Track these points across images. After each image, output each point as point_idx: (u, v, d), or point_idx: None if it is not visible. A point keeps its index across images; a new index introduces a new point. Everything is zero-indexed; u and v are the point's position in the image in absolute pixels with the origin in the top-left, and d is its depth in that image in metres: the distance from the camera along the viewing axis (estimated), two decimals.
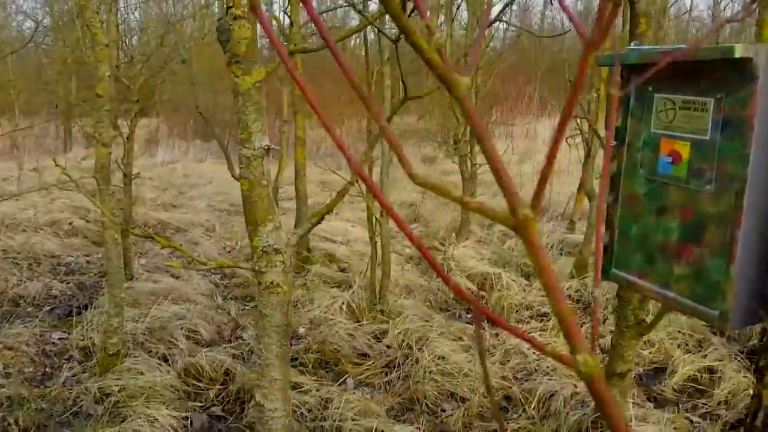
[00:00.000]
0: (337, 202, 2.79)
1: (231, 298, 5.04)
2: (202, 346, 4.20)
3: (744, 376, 3.88)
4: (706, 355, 4.23)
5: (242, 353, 4.18)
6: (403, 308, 4.61)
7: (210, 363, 3.93)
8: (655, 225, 1.48)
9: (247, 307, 4.88)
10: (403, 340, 4.29)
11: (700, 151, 1.35)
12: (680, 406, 3.83)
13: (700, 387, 3.92)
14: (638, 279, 1.54)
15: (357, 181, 4.07)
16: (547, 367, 4.02)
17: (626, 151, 1.53)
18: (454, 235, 5.73)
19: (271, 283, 2.53)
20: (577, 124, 4.92)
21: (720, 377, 3.96)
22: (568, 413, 3.60)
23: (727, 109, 1.29)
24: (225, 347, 4.21)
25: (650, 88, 1.45)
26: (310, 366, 4.05)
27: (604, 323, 4.54)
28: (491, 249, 5.63)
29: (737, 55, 1.23)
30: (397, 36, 2.47)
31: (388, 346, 4.29)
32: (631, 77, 1.49)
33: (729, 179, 1.30)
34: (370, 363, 4.10)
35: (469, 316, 4.80)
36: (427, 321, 4.48)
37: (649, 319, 2.72)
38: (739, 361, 4.15)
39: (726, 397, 3.79)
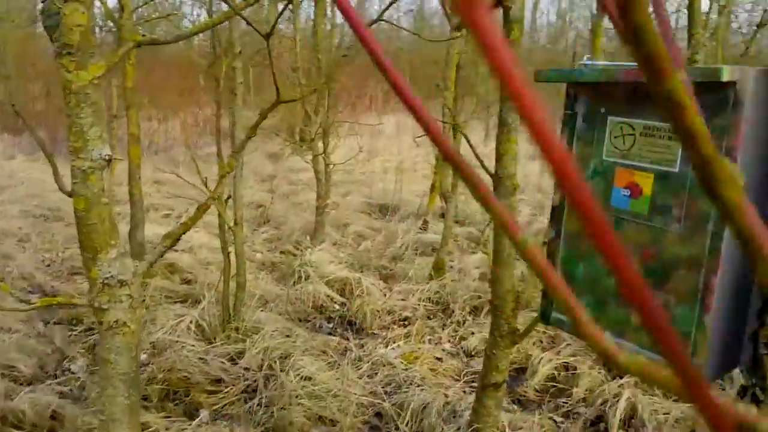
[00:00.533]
0: (197, 220, 2.37)
1: (54, 323, 4.34)
2: (22, 385, 3.53)
3: (598, 372, 3.98)
4: (559, 352, 4.31)
5: (72, 390, 3.58)
6: (260, 323, 4.23)
7: (33, 406, 3.30)
8: (606, 267, 1.29)
9: (74, 333, 4.22)
10: (263, 361, 3.92)
11: (667, 185, 1.18)
12: (543, 406, 3.85)
13: (560, 386, 3.97)
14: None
15: (206, 184, 3.63)
16: (417, 377, 3.86)
17: None
18: (308, 238, 5.42)
19: (116, 321, 2.07)
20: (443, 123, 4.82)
21: (577, 374, 4.04)
22: (443, 428, 3.47)
23: (725, 141, 1.12)
24: (50, 384, 3.57)
25: (603, 110, 1.26)
26: (156, 399, 3.55)
27: (463, 324, 4.49)
28: (348, 252, 5.39)
29: (725, 78, 1.05)
30: (269, 31, 2.11)
31: (247, 369, 3.89)
32: (578, 95, 1.29)
33: (703, 219, 1.13)
34: (226, 390, 3.69)
35: (330, 325, 4.54)
36: (288, 336, 4.14)
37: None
38: (590, 356, 4.27)
39: (585, 394, 3.86)
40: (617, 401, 3.62)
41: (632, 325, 1.26)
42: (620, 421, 3.53)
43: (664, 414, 3.55)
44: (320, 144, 5.47)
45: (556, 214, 1.37)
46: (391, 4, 2.26)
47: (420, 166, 6.98)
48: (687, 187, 1.15)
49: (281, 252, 5.55)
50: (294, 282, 4.93)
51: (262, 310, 4.47)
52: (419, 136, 5.45)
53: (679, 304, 1.19)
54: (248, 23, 2.06)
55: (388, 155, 8.37)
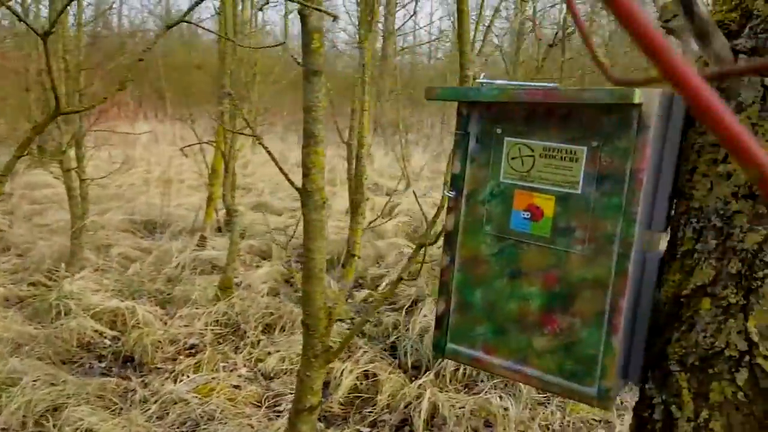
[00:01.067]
0: None
1: None
2: None
3: (398, 377, 4.06)
4: (358, 360, 4.31)
5: None
6: (16, 373, 3.56)
7: None
8: (507, 291, 1.24)
9: None
10: (26, 418, 3.30)
11: (569, 207, 1.16)
12: (350, 419, 3.81)
13: (364, 395, 3.97)
14: (485, 355, 1.28)
15: None
16: (216, 411, 3.56)
17: (465, 204, 1.25)
18: (63, 265, 4.72)
19: None
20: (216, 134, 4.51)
21: (378, 381, 4.07)
22: None
23: (605, 160, 1.12)
24: None
25: (499, 130, 1.20)
26: None
27: (257, 345, 4.27)
28: (114, 278, 4.81)
29: (636, 100, 1.05)
30: (47, 29, 1.72)
31: (5, 429, 3.24)
32: (471, 115, 1.22)
33: (607, 241, 1.13)
34: None
35: (102, 365, 3.99)
36: (54, 384, 3.55)
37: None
38: (385, 359, 4.34)
39: (388, 400, 3.90)
40: (420, 402, 3.71)
41: (535, 351, 1.23)
42: (424, 421, 3.63)
43: (460, 408, 3.72)
44: (72, 155, 4.80)
45: (449, 239, 1.29)
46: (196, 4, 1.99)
47: (187, 177, 6.52)
48: (590, 209, 1.14)
49: (30, 284, 4.77)
50: (52, 319, 4.26)
51: (16, 357, 3.79)
52: (187, 146, 5.05)
53: (584, 326, 1.18)
54: (21, 19, 1.65)
55: (147, 166, 7.68)
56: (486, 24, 4.09)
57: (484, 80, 1.20)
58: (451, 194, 1.25)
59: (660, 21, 1.39)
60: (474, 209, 1.24)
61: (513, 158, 1.19)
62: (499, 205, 1.22)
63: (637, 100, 1.05)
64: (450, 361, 3.31)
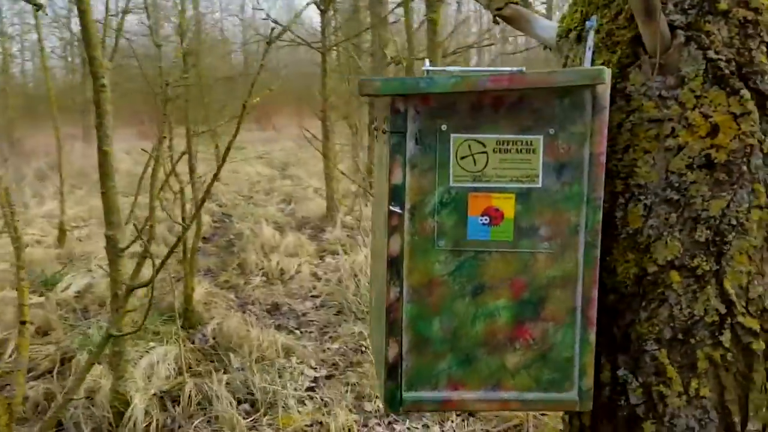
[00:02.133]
0: None
1: None
2: None
3: None
4: None
5: None
6: None
7: None
8: (471, 312, 1.07)
9: None
10: None
11: (531, 203, 1.05)
12: None
13: None
14: (452, 392, 1.09)
15: None
16: None
17: (410, 220, 1.05)
18: None
19: None
20: None
21: None
22: None
23: (563, 147, 1.04)
24: None
25: (443, 127, 1.03)
26: None
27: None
28: None
29: (607, 79, 1.00)
30: None
31: None
32: (408, 111, 1.02)
33: (572, 233, 1.06)
34: None
35: None
36: None
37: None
38: None
39: None
40: None
41: (509, 370, 1.10)
42: None
43: None
44: None
45: (394, 267, 1.06)
46: None
47: None
48: (553, 202, 1.06)
49: None
50: None
51: None
52: None
53: (558, 328, 1.09)
54: None
55: None
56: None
57: (432, 68, 1.02)
58: (397, 209, 1.04)
59: (492, 9, 1.37)
60: (422, 224, 1.05)
61: (463, 157, 1.03)
62: (452, 214, 1.05)
63: (608, 78, 1.00)
64: None
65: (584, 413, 1.20)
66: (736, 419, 1.06)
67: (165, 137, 3.86)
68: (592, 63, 1.15)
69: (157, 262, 2.18)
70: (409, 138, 1.02)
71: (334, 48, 7.63)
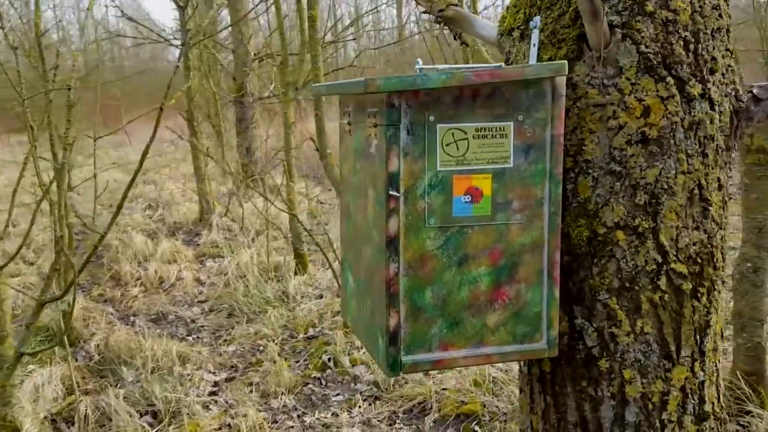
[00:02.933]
0: None
1: None
2: None
3: None
4: None
5: None
6: None
7: None
8: (457, 280, 1.21)
9: None
10: None
11: (504, 181, 1.21)
12: None
13: None
14: (443, 353, 1.23)
15: None
16: None
17: (404, 203, 1.17)
18: None
19: None
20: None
21: None
22: None
23: (528, 131, 1.21)
24: None
25: (432, 118, 1.15)
26: None
27: None
28: None
29: (567, 72, 1.18)
30: None
31: None
32: (401, 105, 1.14)
33: (538, 204, 1.24)
34: None
35: None
36: None
37: None
38: None
39: None
40: None
41: (490, 328, 1.25)
42: None
43: None
44: None
45: (393, 245, 1.17)
46: None
47: None
48: (522, 179, 1.22)
49: None
50: None
51: None
52: None
53: (529, 288, 1.26)
54: None
55: None
56: None
57: (423, 66, 1.14)
58: (396, 194, 1.15)
59: (434, 12, 1.53)
60: (414, 206, 1.17)
61: (448, 144, 1.17)
62: (440, 195, 1.18)
63: (566, 71, 1.17)
64: None
65: (543, 361, 1.39)
66: (672, 348, 1.28)
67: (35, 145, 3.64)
68: (538, 58, 1.33)
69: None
70: (402, 129, 1.14)
71: (195, 45, 7.45)
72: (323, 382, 4.16)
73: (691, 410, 1.30)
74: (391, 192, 1.15)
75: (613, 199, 1.27)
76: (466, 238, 1.20)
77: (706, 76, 1.26)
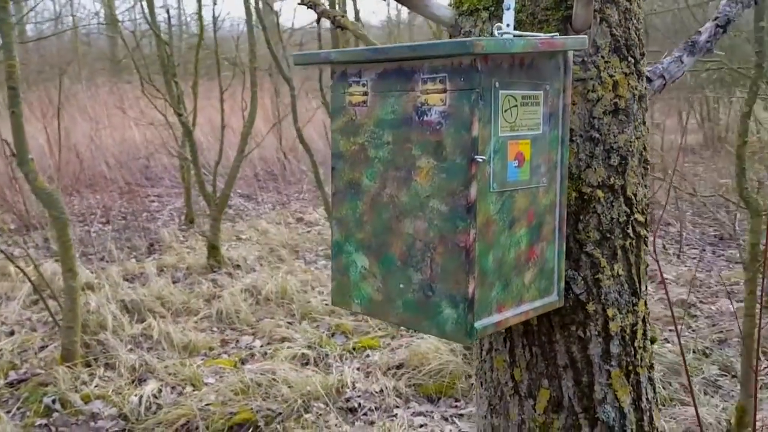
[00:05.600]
0: None
1: None
2: None
3: None
4: None
5: None
6: None
7: None
8: (507, 243, 1.27)
9: None
10: None
11: (537, 147, 1.31)
12: None
13: None
14: (499, 315, 1.27)
15: None
16: None
17: (477, 168, 1.18)
18: None
19: None
20: None
21: None
22: None
23: (551, 100, 1.33)
24: None
25: (497, 84, 1.19)
26: None
27: None
28: None
29: (586, 46, 1.32)
30: None
31: None
32: (482, 69, 1.15)
33: (554, 167, 1.36)
34: None
35: None
36: None
37: None
38: None
39: None
40: None
41: (525, 286, 1.33)
42: None
43: None
44: None
45: (473, 210, 1.16)
46: None
47: None
48: (546, 144, 1.32)
49: None
50: None
51: None
52: None
53: (548, 245, 1.37)
54: None
55: None
56: None
57: (500, 30, 1.16)
58: (482, 159, 1.15)
59: None
60: (482, 172, 1.19)
61: (506, 110, 1.22)
62: (500, 160, 1.22)
63: (586, 46, 1.32)
64: None
65: None
66: (637, 286, 1.53)
67: None
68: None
69: None
70: (479, 94, 1.15)
71: None
72: (53, 429, 3.65)
73: (648, 335, 1.57)
74: (476, 157, 1.15)
75: (595, 162, 1.46)
76: (513, 201, 1.27)
77: (643, 57, 1.53)
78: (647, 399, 1.55)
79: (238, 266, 6.71)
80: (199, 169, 6.41)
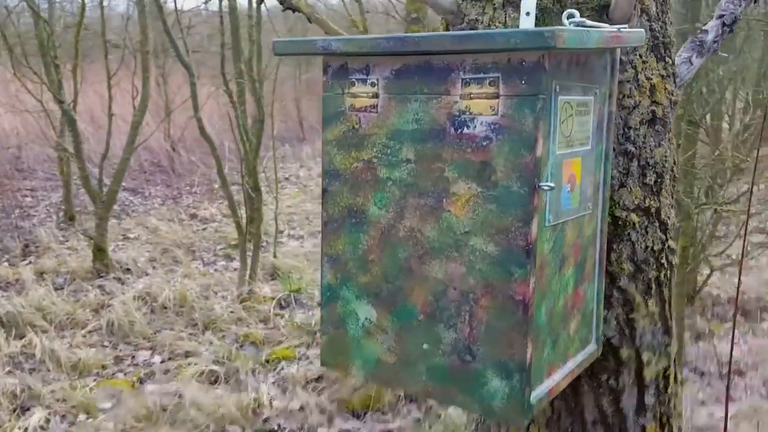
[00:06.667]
0: None
1: None
2: None
3: None
4: None
5: None
6: None
7: None
8: (558, 288, 1.00)
9: None
10: None
11: (586, 166, 1.05)
12: None
13: None
14: (550, 380, 1.01)
15: None
16: None
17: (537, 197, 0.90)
18: None
19: None
20: None
21: None
22: None
23: (598, 107, 1.07)
24: None
25: (557, 88, 0.91)
26: None
27: None
28: None
29: (643, 43, 1.07)
30: None
31: None
32: (549, 69, 0.86)
33: (597, 190, 1.11)
34: None
35: None
36: None
37: None
38: None
39: None
40: None
41: (571, 338, 1.07)
42: None
43: None
44: None
45: (532, 255, 0.87)
46: None
47: None
48: (591, 162, 1.06)
49: None
50: None
51: None
52: None
53: (589, 285, 1.12)
54: None
55: None
56: None
57: (572, 19, 0.87)
58: (550, 186, 0.87)
59: None
60: (541, 200, 0.92)
61: (563, 121, 0.95)
62: (555, 184, 0.95)
63: (643, 42, 1.06)
64: None
65: None
66: (670, 323, 1.32)
67: None
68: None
69: None
70: (545, 102, 0.87)
71: None
72: None
73: (679, 379, 1.36)
74: (541, 185, 0.87)
75: (630, 180, 1.22)
76: (563, 236, 1.00)
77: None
78: None
79: (128, 270, 6.10)
80: (83, 162, 5.74)
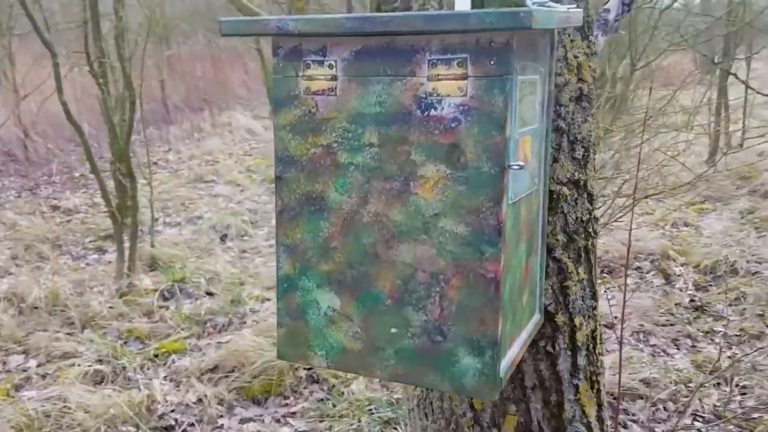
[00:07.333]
0: None
1: None
2: None
3: None
4: None
5: None
6: None
7: None
8: (516, 264, 1.03)
9: None
10: None
11: (534, 144, 1.08)
12: None
13: None
14: (510, 351, 1.04)
15: None
16: None
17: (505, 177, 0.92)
18: None
19: None
20: None
21: None
22: None
23: (543, 86, 1.11)
24: None
25: (518, 68, 0.93)
26: None
27: None
28: None
29: (581, 21, 1.11)
30: None
31: None
32: (516, 49, 0.88)
33: (539, 167, 1.16)
34: None
35: None
36: None
37: None
38: None
39: None
40: None
41: (524, 309, 1.11)
42: None
43: None
44: None
45: (502, 233, 0.88)
46: None
47: None
48: (536, 141, 1.10)
49: None
50: None
51: None
52: None
53: (535, 259, 1.16)
54: None
55: None
56: None
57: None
58: (520, 165, 0.89)
59: None
60: (508, 179, 0.94)
61: (520, 101, 0.97)
62: (515, 164, 0.98)
63: (581, 21, 1.11)
64: None
65: None
66: (596, 288, 1.40)
67: None
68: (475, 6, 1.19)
69: None
70: (512, 82, 0.89)
71: None
72: None
73: (602, 339, 1.46)
74: (512, 164, 0.89)
75: (562, 155, 1.28)
76: (519, 213, 1.03)
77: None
78: (605, 407, 1.44)
79: None
80: None
